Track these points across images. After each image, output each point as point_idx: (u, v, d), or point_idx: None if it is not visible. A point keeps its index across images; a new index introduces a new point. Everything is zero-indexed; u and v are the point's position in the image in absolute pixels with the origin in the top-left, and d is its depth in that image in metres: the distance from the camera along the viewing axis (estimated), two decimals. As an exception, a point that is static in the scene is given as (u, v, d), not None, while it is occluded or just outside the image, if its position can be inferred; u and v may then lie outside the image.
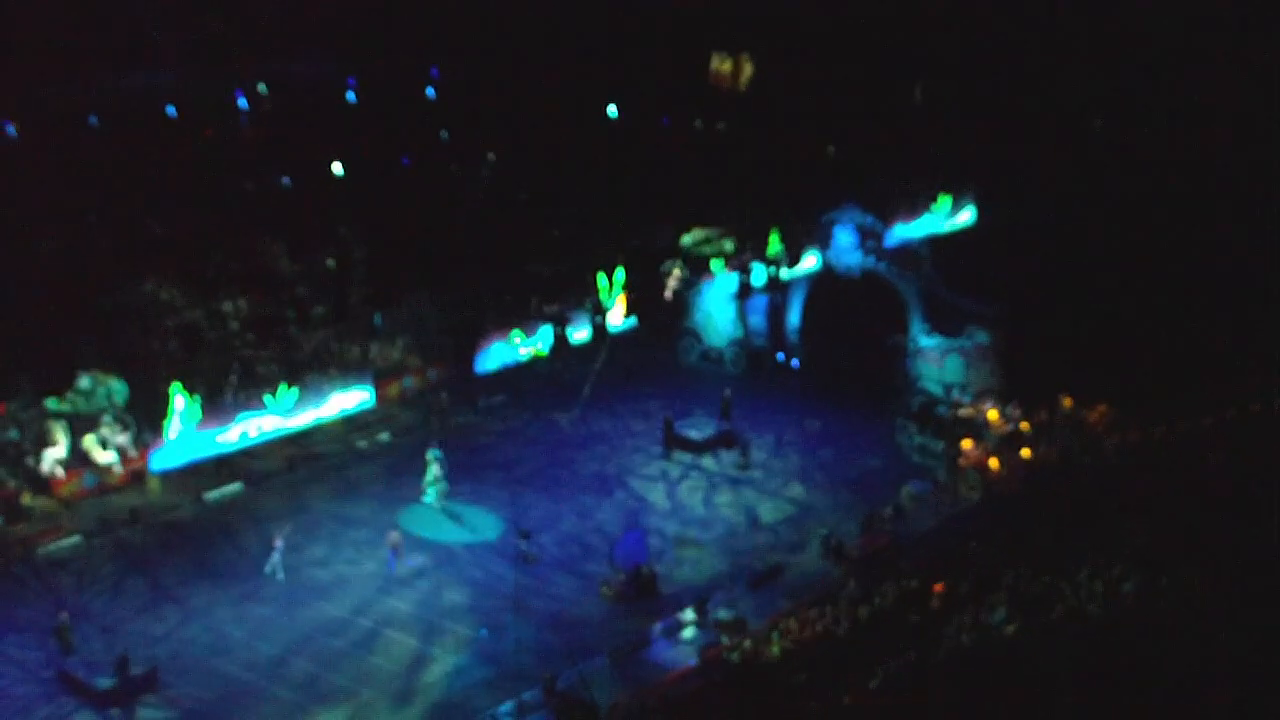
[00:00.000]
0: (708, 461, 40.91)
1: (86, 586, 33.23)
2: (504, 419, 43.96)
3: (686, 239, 40.28)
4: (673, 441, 41.27)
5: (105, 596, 32.93)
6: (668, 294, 42.36)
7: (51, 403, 33.03)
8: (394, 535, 34.33)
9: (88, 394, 35.46)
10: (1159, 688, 23.26)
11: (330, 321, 40.70)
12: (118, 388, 33.68)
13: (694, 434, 41.50)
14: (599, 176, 47.78)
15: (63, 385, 35.90)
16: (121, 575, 33.68)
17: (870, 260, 44.21)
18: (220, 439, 36.25)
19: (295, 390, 36.08)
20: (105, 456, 35.78)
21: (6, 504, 35.28)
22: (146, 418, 34.24)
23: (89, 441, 35.83)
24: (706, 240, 40.92)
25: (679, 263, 41.84)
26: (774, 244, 44.04)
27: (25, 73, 41.64)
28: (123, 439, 35.96)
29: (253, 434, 36.54)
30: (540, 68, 51.41)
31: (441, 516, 36.98)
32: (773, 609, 32.14)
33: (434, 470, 37.30)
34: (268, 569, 33.67)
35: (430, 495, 37.24)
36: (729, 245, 41.48)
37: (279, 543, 33.72)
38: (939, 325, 43.75)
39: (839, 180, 45.70)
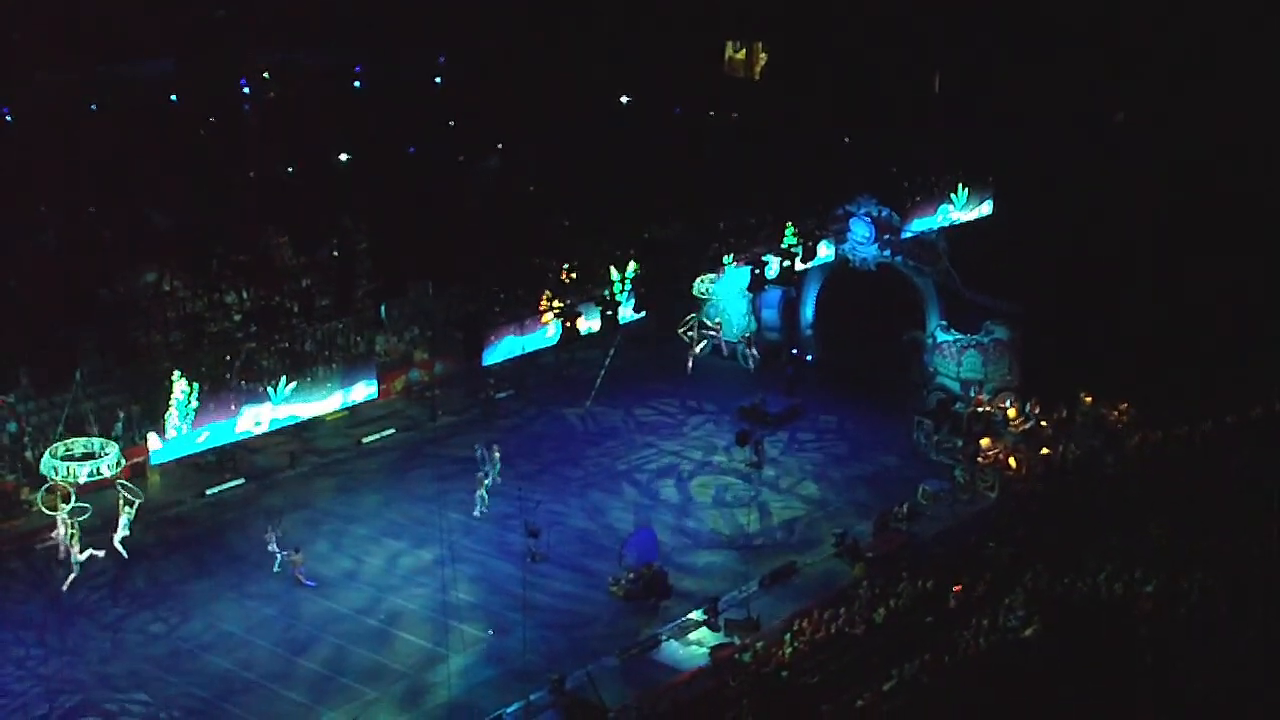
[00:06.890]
0: (720, 458, 40.44)
1: (84, 582, 32.64)
2: (510, 413, 43.45)
3: (698, 284, 40.29)
4: (755, 414, 42.10)
5: (103, 593, 32.51)
6: (693, 353, 42.76)
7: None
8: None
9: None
10: (1177, 690, 22.92)
11: (335, 313, 40.27)
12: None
13: (770, 408, 42.30)
14: (610, 166, 47.24)
15: (62, 380, 35.16)
16: (120, 572, 33.08)
17: (886, 253, 43.59)
18: (221, 431, 35.65)
19: (298, 383, 35.58)
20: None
21: (4, 498, 34.68)
22: (147, 410, 33.71)
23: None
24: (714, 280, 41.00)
25: (694, 316, 42.12)
26: (788, 236, 43.44)
27: (25, 59, 41.18)
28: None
29: (254, 427, 35.98)
30: (550, 55, 50.82)
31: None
32: (785, 609, 31.65)
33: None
34: (276, 568, 33.19)
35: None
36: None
37: (270, 534, 33.19)
38: (956, 320, 43.16)
39: (855, 171, 45.07)
